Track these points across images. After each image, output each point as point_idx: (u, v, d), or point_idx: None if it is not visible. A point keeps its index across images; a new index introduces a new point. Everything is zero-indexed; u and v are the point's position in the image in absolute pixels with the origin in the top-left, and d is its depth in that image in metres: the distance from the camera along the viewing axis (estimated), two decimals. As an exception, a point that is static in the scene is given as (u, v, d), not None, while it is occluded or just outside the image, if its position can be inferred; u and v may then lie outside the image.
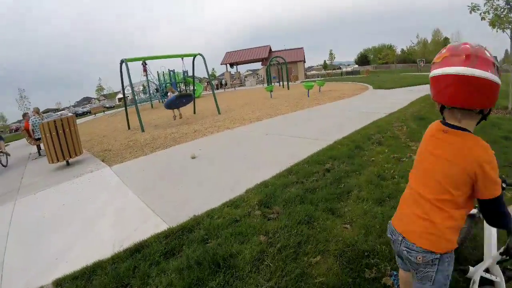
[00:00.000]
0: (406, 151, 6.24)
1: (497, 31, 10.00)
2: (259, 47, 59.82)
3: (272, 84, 35.81)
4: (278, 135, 8.95)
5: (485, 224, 2.35)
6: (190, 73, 28.38)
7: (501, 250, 1.83)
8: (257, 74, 69.88)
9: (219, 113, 16.11)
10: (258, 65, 68.86)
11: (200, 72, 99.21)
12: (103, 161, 8.79)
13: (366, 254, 3.05)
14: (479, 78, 1.46)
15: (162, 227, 4.14)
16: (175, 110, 15.60)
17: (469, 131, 1.66)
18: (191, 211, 4.45)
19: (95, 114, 40.09)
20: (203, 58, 16.41)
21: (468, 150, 1.61)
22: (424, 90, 18.77)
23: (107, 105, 58.77)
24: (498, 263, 2.10)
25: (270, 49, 59.37)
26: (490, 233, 2.32)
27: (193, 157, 7.61)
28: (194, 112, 18.07)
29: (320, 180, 5.08)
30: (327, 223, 3.66)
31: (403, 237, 1.75)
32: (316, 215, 3.83)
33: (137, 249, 3.61)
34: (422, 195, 1.75)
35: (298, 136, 8.48)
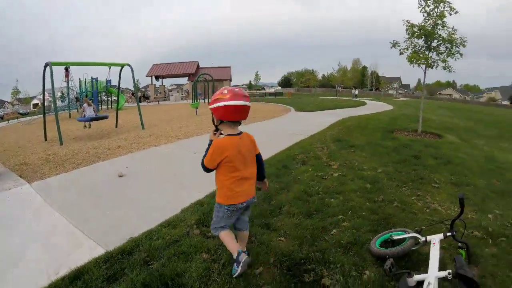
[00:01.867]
0: (328, 170, 6.92)
1: (413, 66, 11.49)
2: (187, 62, 59.57)
3: (198, 101, 35.91)
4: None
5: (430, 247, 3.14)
6: (115, 83, 26.97)
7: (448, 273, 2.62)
8: (182, 89, 69.29)
9: (143, 128, 15.48)
10: (184, 80, 68.39)
11: (125, 83, 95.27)
12: (21, 176, 8.02)
13: (302, 261, 3.45)
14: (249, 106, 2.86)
15: (99, 251, 3.95)
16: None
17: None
18: (127, 233, 4.33)
19: (8, 120, 35.98)
20: (131, 69, 15.71)
21: (253, 141, 3.16)
22: (341, 113, 20.51)
23: (21, 111, 52.86)
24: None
25: (198, 65, 59.49)
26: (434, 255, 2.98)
27: (121, 176, 7.13)
28: (116, 126, 17.25)
29: (253, 198, 5.43)
30: (264, 237, 3.98)
31: (250, 199, 3.11)
32: (253, 230, 4.12)
33: (77, 276, 3.39)
34: (247, 176, 2.99)
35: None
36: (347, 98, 48.70)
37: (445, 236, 3.13)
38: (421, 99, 13.91)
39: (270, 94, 69.84)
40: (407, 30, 11.61)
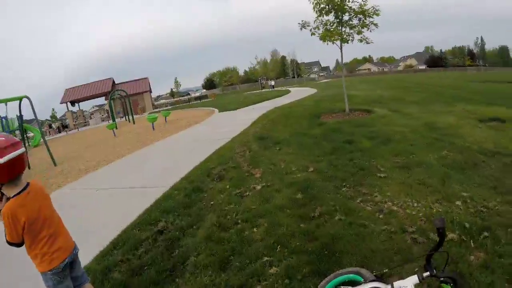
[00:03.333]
0: (249, 182, 5.57)
1: (327, 44, 10.53)
2: (101, 80, 55.25)
3: (115, 121, 32.96)
4: (111, 189, 7.34)
5: None
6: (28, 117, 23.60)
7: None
8: (103, 110, 64.74)
9: (55, 165, 13.29)
10: (103, 100, 63.81)
11: (41, 114, 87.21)
12: None
13: None
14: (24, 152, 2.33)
15: None
16: None
17: None
18: None
19: None
20: (30, 101, 13.56)
21: (43, 193, 2.59)
22: (266, 106, 19.49)
23: None
24: None
25: (113, 82, 55.31)
26: None
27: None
28: (29, 167, 14.55)
29: (150, 251, 3.85)
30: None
31: (73, 252, 2.61)
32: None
33: None
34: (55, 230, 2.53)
35: (133, 187, 7.02)
36: (277, 88, 48.40)
37: (422, 278, 1.90)
38: (342, 77, 13.11)
39: (195, 98, 68.15)
40: (314, 8, 10.68)
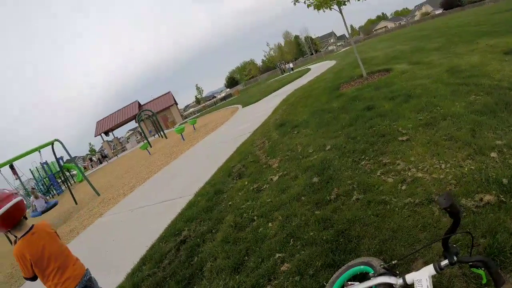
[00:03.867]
0: (266, 175, 5.39)
1: (324, 11, 10.03)
2: (127, 105, 57.06)
3: (148, 140, 33.74)
4: (144, 208, 7.47)
5: None
6: (66, 157, 24.79)
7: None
8: (137, 132, 66.67)
9: (98, 195, 13.90)
10: (134, 123, 65.87)
11: (76, 152, 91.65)
12: None
13: None
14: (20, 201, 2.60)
15: None
16: None
17: None
18: None
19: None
20: (61, 143, 14.40)
21: (49, 232, 2.84)
22: (287, 90, 19.14)
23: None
24: None
25: (139, 104, 57.12)
26: None
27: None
28: (76, 203, 15.27)
29: (173, 262, 3.86)
30: None
31: (83, 278, 2.79)
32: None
33: None
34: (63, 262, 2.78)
35: (164, 200, 7.12)
36: (297, 70, 47.51)
37: (440, 268, 1.56)
38: (351, 41, 12.48)
39: (221, 99, 68.63)
40: None
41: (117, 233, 6.55)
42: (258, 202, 4.38)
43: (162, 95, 58.96)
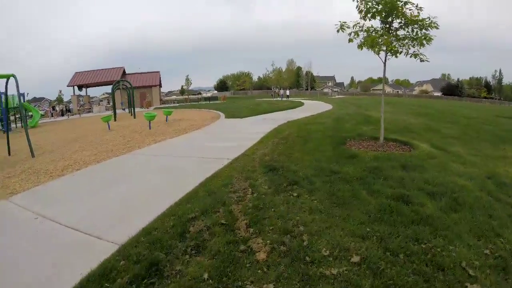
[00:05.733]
0: (243, 272, 3.14)
1: (368, 50, 8.24)
2: (112, 68, 53.33)
3: (116, 112, 30.62)
4: (47, 220, 5.01)
5: None
6: (33, 95, 21.47)
7: None
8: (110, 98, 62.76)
9: (32, 156, 11.18)
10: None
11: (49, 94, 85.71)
12: None
13: None
14: None
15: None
16: None
17: None
18: None
19: None
20: (16, 81, 11.80)
21: None
22: (278, 118, 17.22)
23: None
24: None
25: (124, 72, 53.32)
26: None
27: None
28: (9, 153, 12.34)
29: None
30: None
31: None
32: None
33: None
34: None
35: (77, 229, 4.62)
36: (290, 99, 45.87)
37: None
38: (382, 94, 10.58)
39: (205, 98, 66.69)
40: (357, 7, 8.35)
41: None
42: None
43: (150, 72, 55.72)
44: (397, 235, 3.81)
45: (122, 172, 7.75)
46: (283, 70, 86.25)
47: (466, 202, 4.80)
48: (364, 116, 16.86)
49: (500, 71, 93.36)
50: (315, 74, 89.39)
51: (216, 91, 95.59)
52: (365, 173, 6.07)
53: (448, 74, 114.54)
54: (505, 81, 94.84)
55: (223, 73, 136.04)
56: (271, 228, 4.02)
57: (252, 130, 13.16)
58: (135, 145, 11.58)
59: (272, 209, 4.55)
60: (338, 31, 8.41)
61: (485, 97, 77.89)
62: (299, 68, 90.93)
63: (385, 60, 8.52)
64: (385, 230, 3.90)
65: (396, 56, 8.21)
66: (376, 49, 8.09)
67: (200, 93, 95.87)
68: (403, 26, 8.19)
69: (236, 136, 11.69)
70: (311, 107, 25.74)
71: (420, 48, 7.93)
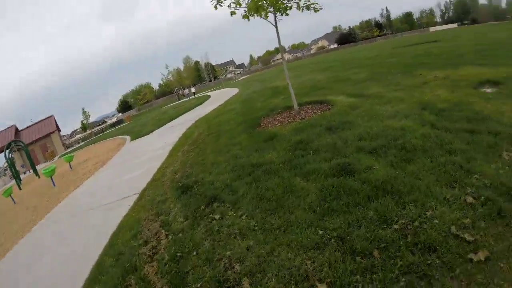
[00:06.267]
0: None
1: (254, 17, 7.18)
2: (2, 130, 46.70)
3: (16, 180, 26.30)
4: None
5: None
6: None
7: None
8: (4, 168, 55.49)
9: None
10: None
11: None
12: None
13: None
14: None
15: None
16: None
17: None
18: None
19: None
20: None
21: None
22: (186, 120, 15.82)
23: None
24: None
25: (17, 129, 46.93)
26: None
27: None
28: None
29: None
30: None
31: None
32: None
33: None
34: None
35: None
36: (191, 97, 44.20)
37: None
38: (283, 61, 9.73)
39: (111, 125, 62.11)
40: None
41: None
42: None
43: (43, 119, 49.76)
44: (358, 225, 2.86)
45: (22, 262, 5.93)
46: (182, 69, 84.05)
47: (416, 146, 4.08)
48: (271, 89, 16.15)
49: (386, 8, 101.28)
50: (214, 63, 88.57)
51: (120, 114, 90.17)
52: (290, 154, 5.10)
53: (339, 25, 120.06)
54: (393, 16, 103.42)
55: (122, 93, 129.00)
56: (198, 286, 2.81)
57: (159, 145, 11.66)
58: (41, 212, 9.46)
59: (195, 252, 3.33)
60: (215, 7, 7.27)
61: (378, 35, 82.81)
62: (197, 63, 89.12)
63: (276, 23, 7.60)
64: (341, 223, 2.95)
65: (287, 14, 7.34)
66: (263, 13, 7.08)
67: (104, 121, 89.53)
68: None
69: (143, 160, 10.14)
70: (218, 97, 24.61)
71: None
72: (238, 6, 7.15)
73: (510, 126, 4.19)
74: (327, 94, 9.48)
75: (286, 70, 8.63)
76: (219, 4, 7.25)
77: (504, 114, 4.75)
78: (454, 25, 58.96)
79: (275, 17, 7.50)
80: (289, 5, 7.28)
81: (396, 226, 2.72)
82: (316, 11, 7.31)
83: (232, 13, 7.22)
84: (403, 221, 2.75)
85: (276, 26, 7.67)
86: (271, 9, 7.24)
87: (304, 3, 7.20)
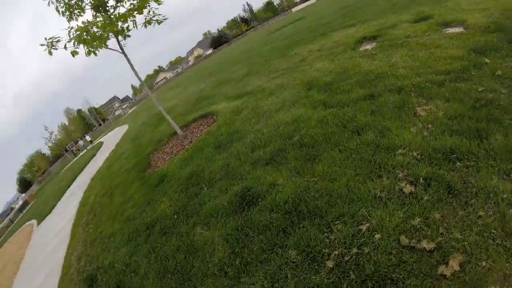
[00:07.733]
0: None
1: (97, 51, 6.30)
2: None
3: None
4: None
5: None
6: None
7: None
8: None
9: None
10: None
11: None
12: None
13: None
14: None
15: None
16: None
17: None
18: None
19: None
20: None
21: None
22: (83, 181, 14.11)
23: None
24: None
25: None
26: None
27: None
28: None
29: None
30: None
31: None
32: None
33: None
34: None
35: None
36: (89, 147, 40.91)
37: None
38: (146, 90, 8.87)
39: (18, 211, 55.07)
40: (58, 10, 6.43)
41: None
42: None
43: None
44: (283, 278, 2.34)
45: None
46: (67, 123, 78.07)
47: (316, 138, 3.81)
48: (157, 115, 15.19)
49: (247, 3, 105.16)
50: (97, 106, 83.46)
51: (23, 195, 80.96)
52: (184, 196, 4.45)
53: (208, 30, 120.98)
54: (255, 8, 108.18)
55: (16, 170, 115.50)
56: None
57: (61, 225, 10.05)
58: None
59: None
60: (50, 53, 6.22)
61: (247, 30, 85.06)
62: (79, 111, 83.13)
63: (122, 49, 6.78)
64: (262, 281, 2.42)
65: (129, 36, 6.58)
66: (101, 42, 6.17)
67: (12, 209, 79.63)
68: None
69: (48, 250, 8.60)
70: (110, 142, 22.85)
71: (150, 11, 6.54)
72: (79, 43, 6.19)
73: (409, 75, 4.01)
74: (211, 104, 8.98)
75: (154, 100, 7.91)
76: (54, 48, 6.22)
77: (396, 65, 4.60)
78: (313, 0, 63.02)
79: (119, 42, 6.69)
80: (125, 26, 6.52)
81: (330, 264, 2.20)
82: (159, 23, 6.75)
83: (74, 53, 6.26)
84: (336, 253, 2.24)
85: (122, 50, 6.85)
86: (112, 36, 6.41)
87: (145, 18, 6.55)
